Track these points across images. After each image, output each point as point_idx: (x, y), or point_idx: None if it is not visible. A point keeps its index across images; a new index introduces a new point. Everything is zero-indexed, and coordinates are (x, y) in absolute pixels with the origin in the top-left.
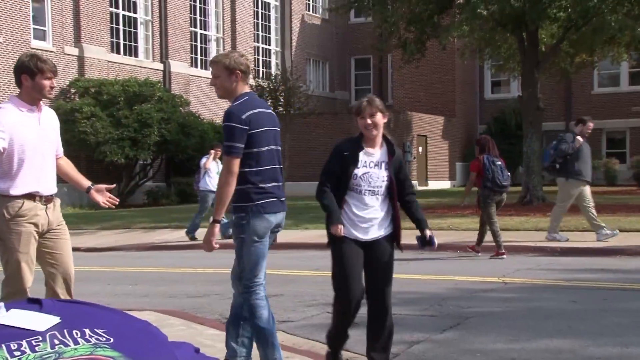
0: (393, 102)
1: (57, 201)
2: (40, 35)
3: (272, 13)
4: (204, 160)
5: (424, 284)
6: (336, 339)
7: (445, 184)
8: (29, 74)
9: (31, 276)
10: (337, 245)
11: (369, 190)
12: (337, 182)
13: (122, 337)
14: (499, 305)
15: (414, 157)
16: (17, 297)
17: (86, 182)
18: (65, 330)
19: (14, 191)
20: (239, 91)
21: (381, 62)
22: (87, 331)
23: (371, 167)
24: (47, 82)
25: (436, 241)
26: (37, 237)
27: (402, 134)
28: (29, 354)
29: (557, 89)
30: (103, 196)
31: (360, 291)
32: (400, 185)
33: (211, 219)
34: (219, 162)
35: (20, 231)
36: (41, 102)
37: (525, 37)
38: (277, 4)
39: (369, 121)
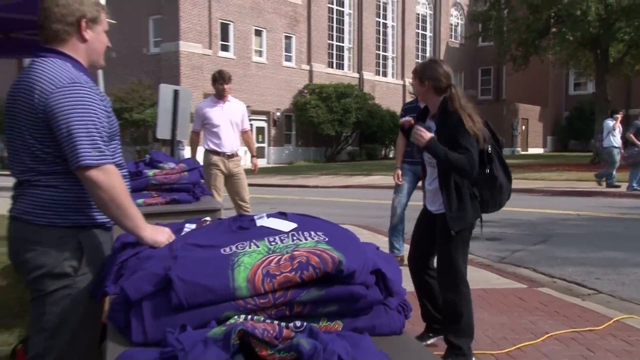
0: (506, 96)
1: (239, 158)
2: (288, 58)
3: (428, 41)
4: (611, 123)
5: (522, 214)
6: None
7: (540, 150)
8: (212, 81)
9: (219, 197)
10: None
11: (428, 161)
12: None
13: (333, 236)
14: (574, 229)
15: (519, 133)
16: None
17: (254, 153)
18: (299, 231)
19: (206, 147)
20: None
21: (498, 71)
22: (312, 232)
23: None
24: (219, 87)
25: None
26: (223, 176)
27: (511, 118)
28: (279, 244)
29: (620, 86)
30: (253, 166)
31: (412, 254)
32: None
33: None
34: (620, 124)
35: (210, 173)
36: (228, 97)
37: (599, 53)
38: (431, 34)
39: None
